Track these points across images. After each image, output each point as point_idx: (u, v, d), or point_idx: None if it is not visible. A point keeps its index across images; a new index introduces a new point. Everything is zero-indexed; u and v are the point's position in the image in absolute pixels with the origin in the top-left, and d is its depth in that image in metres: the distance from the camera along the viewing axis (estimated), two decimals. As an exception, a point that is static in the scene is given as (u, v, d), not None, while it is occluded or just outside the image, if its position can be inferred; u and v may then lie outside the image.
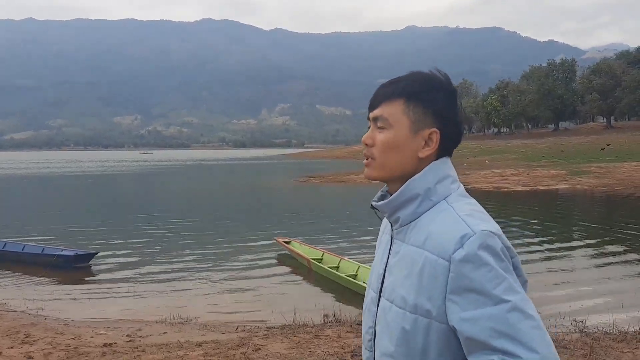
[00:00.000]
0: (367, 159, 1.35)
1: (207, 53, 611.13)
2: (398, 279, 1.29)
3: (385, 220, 1.46)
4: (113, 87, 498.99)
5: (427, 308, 1.20)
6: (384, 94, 1.33)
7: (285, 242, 12.93)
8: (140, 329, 7.29)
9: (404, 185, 1.30)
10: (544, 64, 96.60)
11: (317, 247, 12.34)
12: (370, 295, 1.43)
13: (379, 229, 1.53)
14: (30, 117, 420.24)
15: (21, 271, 11.39)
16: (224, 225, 18.56)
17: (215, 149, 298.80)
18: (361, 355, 1.49)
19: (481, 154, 65.82)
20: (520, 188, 29.63)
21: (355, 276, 9.88)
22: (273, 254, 13.02)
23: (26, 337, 6.74)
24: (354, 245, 14.10)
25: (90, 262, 11.79)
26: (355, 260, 10.90)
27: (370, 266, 10.37)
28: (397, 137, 1.29)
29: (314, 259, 11.25)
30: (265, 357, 5.78)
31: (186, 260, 12.38)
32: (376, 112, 1.32)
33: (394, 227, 1.36)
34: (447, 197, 1.29)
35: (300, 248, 12.35)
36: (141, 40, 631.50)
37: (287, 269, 11.61)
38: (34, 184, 43.43)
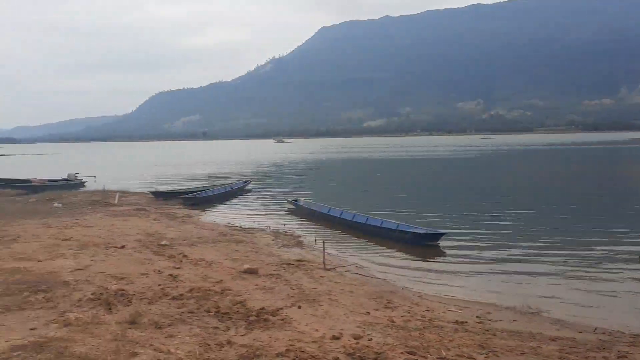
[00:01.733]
0: None
1: (556, 29, 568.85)
2: None
3: None
4: (455, 73, 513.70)
5: None
6: None
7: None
8: (489, 312, 7.35)
9: None
10: None
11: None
12: None
13: None
14: (383, 106, 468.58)
15: (380, 243, 12.84)
16: (573, 214, 17.11)
17: (562, 132, 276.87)
18: None
19: None
20: None
21: None
22: (637, 256, 11.32)
23: (388, 302, 7.57)
24: None
25: (439, 241, 12.46)
26: None
27: None
28: None
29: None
30: (634, 369, 5.08)
31: (534, 250, 11.86)
32: None
33: None
34: None
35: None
36: (487, 24, 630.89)
37: (655, 272, 9.95)
38: (387, 166, 48.52)
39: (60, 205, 18.73)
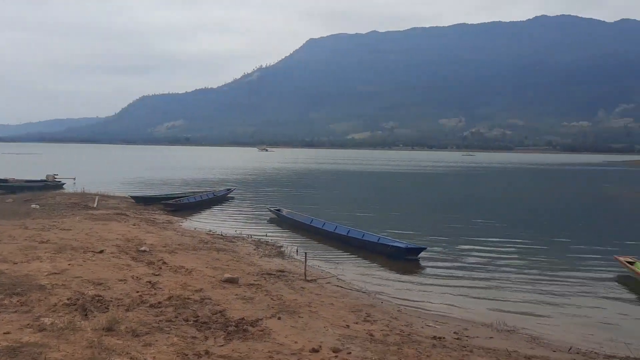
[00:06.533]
0: None
1: (539, 52, 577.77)
2: None
3: None
4: (441, 90, 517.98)
5: None
6: None
7: (628, 262, 11.32)
8: (466, 329, 7.41)
9: None
10: None
11: (671, 274, 10.42)
12: None
13: None
14: (368, 119, 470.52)
15: (361, 256, 12.89)
16: (554, 234, 17.33)
17: (541, 152, 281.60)
18: None
19: None
20: None
21: None
22: (610, 273, 11.56)
23: (367, 316, 7.58)
24: None
25: (418, 256, 12.53)
26: None
27: None
28: None
29: (667, 287, 9.53)
30: (607, 390, 5.15)
31: (510, 266, 12.01)
32: None
33: None
34: None
35: (648, 271, 10.63)
36: (471, 43, 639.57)
37: (629, 293, 10.16)
38: (368, 179, 48.72)
39: (37, 206, 18.45)
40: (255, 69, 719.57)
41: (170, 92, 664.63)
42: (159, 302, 7.15)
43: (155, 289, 7.95)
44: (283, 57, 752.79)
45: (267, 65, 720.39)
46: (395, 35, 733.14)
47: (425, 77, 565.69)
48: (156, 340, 5.57)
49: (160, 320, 6.34)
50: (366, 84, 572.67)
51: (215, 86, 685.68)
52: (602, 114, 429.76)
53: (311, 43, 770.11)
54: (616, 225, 20.98)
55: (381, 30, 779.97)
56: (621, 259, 11.60)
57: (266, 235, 15.15)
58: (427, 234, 16.35)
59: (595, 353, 6.64)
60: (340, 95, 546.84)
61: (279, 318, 6.89)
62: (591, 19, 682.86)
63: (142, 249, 11.17)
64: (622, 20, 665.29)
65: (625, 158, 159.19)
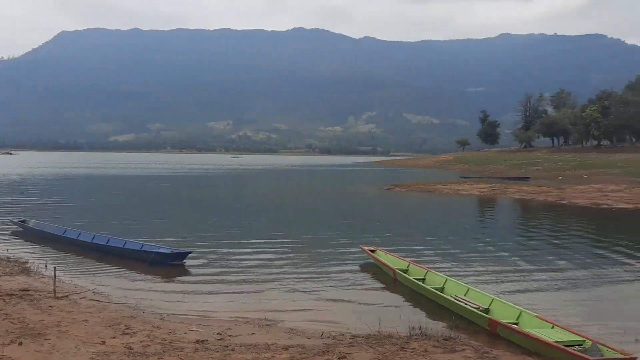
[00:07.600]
0: None
1: (298, 61, 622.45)
2: None
3: None
4: (209, 93, 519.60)
5: None
6: None
7: (370, 250, 12.89)
8: (230, 328, 7.55)
9: None
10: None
11: (402, 258, 12.19)
12: None
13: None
14: (133, 120, 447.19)
15: (123, 265, 12.17)
16: (309, 229, 18.80)
17: (302, 154, 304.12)
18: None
19: (579, 168, 62.22)
20: (622, 205, 27.62)
21: (442, 289, 9.64)
22: (358, 262, 13.01)
23: (126, 328, 7.19)
24: (439, 257, 13.79)
25: (184, 261, 12.36)
26: (442, 273, 10.65)
27: (457, 280, 10.07)
28: None
29: (399, 270, 11.12)
30: (351, 366, 5.77)
31: (272, 264, 12.64)
32: None
33: None
34: None
35: (385, 257, 12.26)
36: (236, 49, 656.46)
37: (371, 278, 11.55)
38: (130, 183, 46.36)
39: None
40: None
41: None
42: None
43: None
44: (30, 50, 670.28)
45: (9, 57, 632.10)
46: (160, 35, 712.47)
47: (192, 79, 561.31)
48: None
49: None
50: (129, 83, 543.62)
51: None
52: (351, 121, 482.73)
53: (64, 36, 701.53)
54: (362, 217, 23.70)
55: (144, 28, 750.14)
56: (365, 248, 13.15)
57: (7, 251, 13.24)
58: (194, 237, 16.23)
59: (343, 335, 7.37)
60: (100, 94, 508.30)
61: (20, 344, 6.10)
62: (341, 34, 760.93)
63: None
64: (366, 37, 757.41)
65: (370, 159, 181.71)
